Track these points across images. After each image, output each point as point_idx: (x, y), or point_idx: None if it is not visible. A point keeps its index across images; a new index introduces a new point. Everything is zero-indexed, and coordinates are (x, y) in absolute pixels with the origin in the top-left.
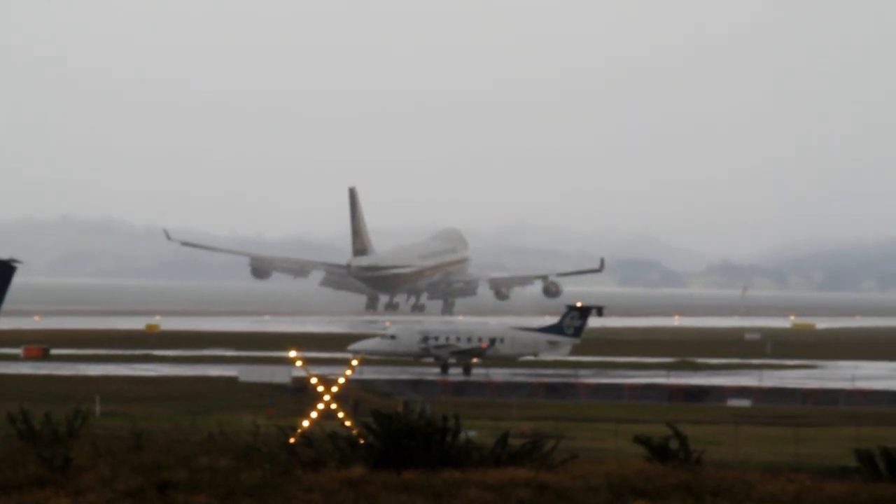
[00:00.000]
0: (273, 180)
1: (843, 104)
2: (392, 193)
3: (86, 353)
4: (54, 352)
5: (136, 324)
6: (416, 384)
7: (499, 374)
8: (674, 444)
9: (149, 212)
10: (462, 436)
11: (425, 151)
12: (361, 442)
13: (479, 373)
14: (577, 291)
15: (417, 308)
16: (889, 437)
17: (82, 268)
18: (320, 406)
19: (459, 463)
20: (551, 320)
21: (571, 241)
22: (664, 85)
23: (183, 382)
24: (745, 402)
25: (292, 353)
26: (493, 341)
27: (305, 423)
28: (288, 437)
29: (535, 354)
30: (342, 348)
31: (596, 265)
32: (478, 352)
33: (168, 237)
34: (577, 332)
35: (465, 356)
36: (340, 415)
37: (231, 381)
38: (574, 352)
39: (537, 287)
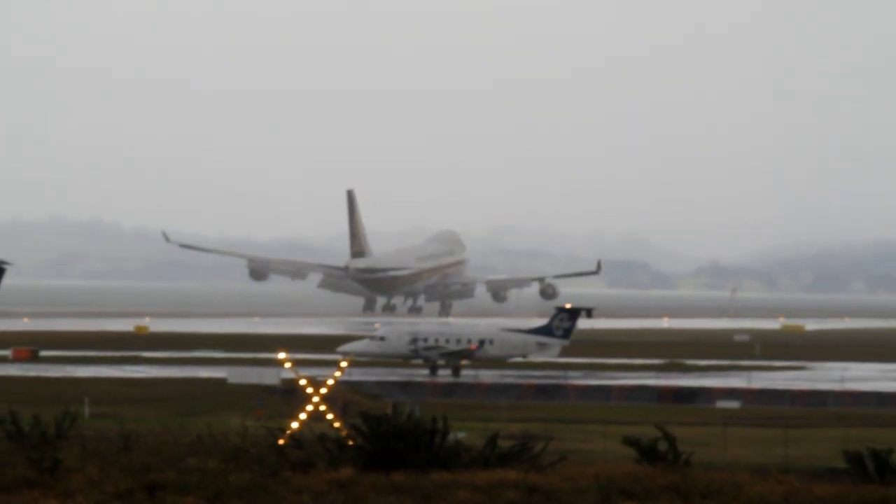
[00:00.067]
0: (265, 181)
1: (843, 104)
2: (385, 194)
3: (75, 354)
4: (43, 353)
5: (125, 325)
6: (405, 386)
7: (488, 376)
8: (663, 446)
9: (138, 213)
10: (451, 437)
11: (422, 152)
12: (350, 443)
13: (468, 374)
14: (568, 293)
15: (415, 310)
16: (878, 439)
17: (71, 269)
18: (309, 407)
19: (448, 464)
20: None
21: (561, 243)
22: (664, 85)
23: (172, 384)
24: (734, 404)
25: (281, 355)
26: (482, 343)
27: (294, 425)
28: (277, 438)
29: (524, 356)
30: (332, 350)
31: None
32: (467, 353)
33: (167, 239)
34: (567, 333)
35: (454, 358)
36: (329, 416)
37: (220, 383)
38: (563, 353)
39: (534, 289)
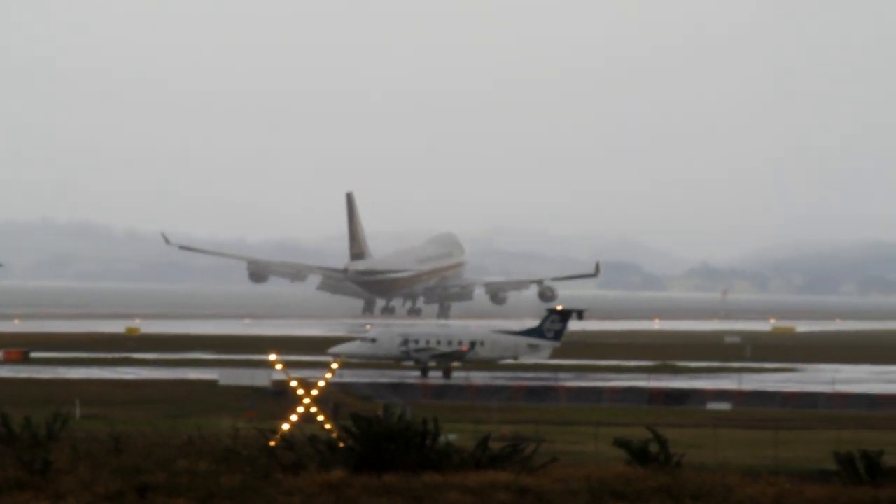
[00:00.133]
0: (259, 182)
1: (843, 104)
2: (384, 195)
3: (66, 356)
4: (34, 355)
5: (117, 327)
6: (396, 387)
7: (479, 378)
8: (654, 448)
9: (129, 215)
10: (442, 439)
11: (422, 152)
12: (341, 445)
13: (459, 376)
14: (561, 294)
15: (414, 312)
16: (869, 441)
17: (63, 271)
18: (300, 409)
19: (439, 466)
20: None
21: (554, 245)
22: (664, 85)
23: (163, 386)
24: (724, 406)
25: (272, 357)
26: (473, 344)
27: (285, 427)
28: (268, 440)
29: (515, 358)
30: (323, 351)
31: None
32: (458, 355)
33: (166, 241)
34: (558, 335)
35: (445, 359)
36: (320, 418)
37: (211, 385)
38: (554, 355)
39: (532, 291)
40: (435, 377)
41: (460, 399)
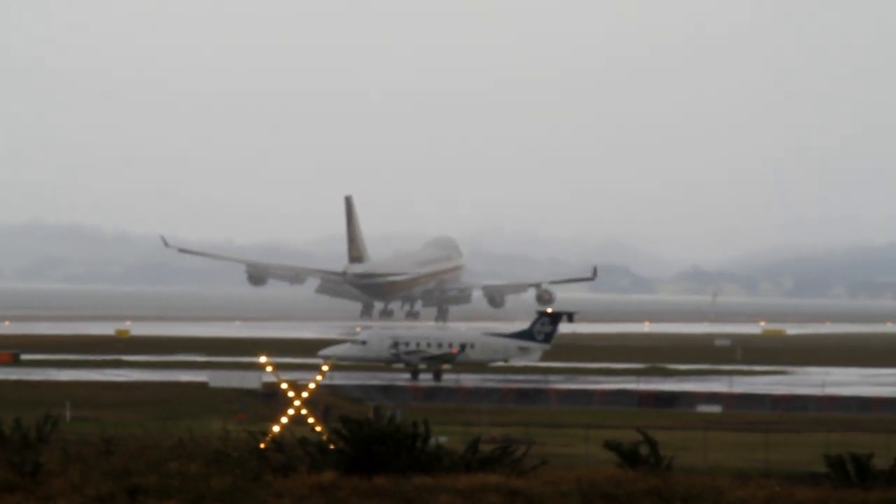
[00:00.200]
0: (248, 183)
1: (843, 104)
2: (377, 195)
3: (56, 358)
4: (24, 357)
5: (107, 329)
6: (386, 390)
7: (469, 380)
8: (644, 450)
9: (119, 216)
10: (432, 441)
11: (422, 152)
12: (332, 447)
13: (449, 378)
14: (561, 298)
15: (412, 315)
16: (858, 444)
17: (52, 273)
18: (291, 411)
19: (430, 468)
20: None
21: (542, 247)
22: (664, 85)
23: (153, 388)
24: (715, 408)
25: (262, 359)
26: (463, 347)
27: (276, 429)
28: (258, 442)
29: (505, 360)
30: (313, 354)
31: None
32: (448, 357)
33: (166, 244)
34: (548, 337)
35: (435, 362)
36: (311, 420)
37: (201, 387)
38: (544, 357)
39: (531, 294)
40: (425, 379)
41: (450, 401)
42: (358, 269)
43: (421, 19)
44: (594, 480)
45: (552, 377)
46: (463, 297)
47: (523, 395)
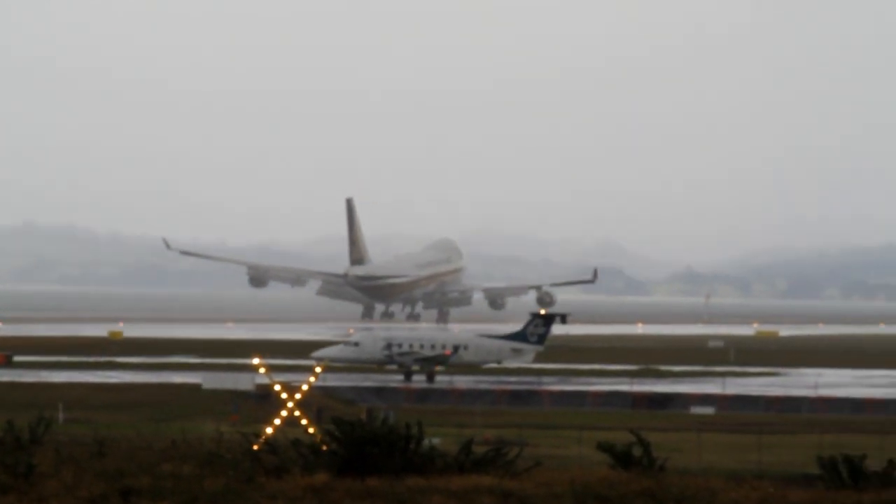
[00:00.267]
0: (242, 184)
1: (843, 104)
2: (377, 195)
3: (49, 360)
4: (17, 359)
5: (100, 330)
6: (379, 391)
7: (462, 382)
8: (637, 452)
9: (112, 218)
10: (425, 443)
11: (422, 152)
12: (325, 449)
13: (442, 380)
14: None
15: (412, 317)
16: (851, 445)
17: (45, 275)
18: (284, 413)
19: (423, 470)
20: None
21: (536, 249)
22: (664, 85)
23: (146, 389)
24: (708, 410)
25: (255, 360)
26: (456, 348)
27: (269, 430)
28: (251, 444)
29: (498, 362)
30: (307, 355)
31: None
32: (441, 359)
33: (168, 246)
34: (541, 339)
35: (428, 363)
36: (304, 422)
37: (194, 388)
38: (538, 359)
39: (531, 296)
40: (418, 381)
41: (444, 403)
42: (359, 271)
43: (421, 19)
44: (587, 482)
45: (545, 379)
46: (463, 299)
47: (516, 397)
